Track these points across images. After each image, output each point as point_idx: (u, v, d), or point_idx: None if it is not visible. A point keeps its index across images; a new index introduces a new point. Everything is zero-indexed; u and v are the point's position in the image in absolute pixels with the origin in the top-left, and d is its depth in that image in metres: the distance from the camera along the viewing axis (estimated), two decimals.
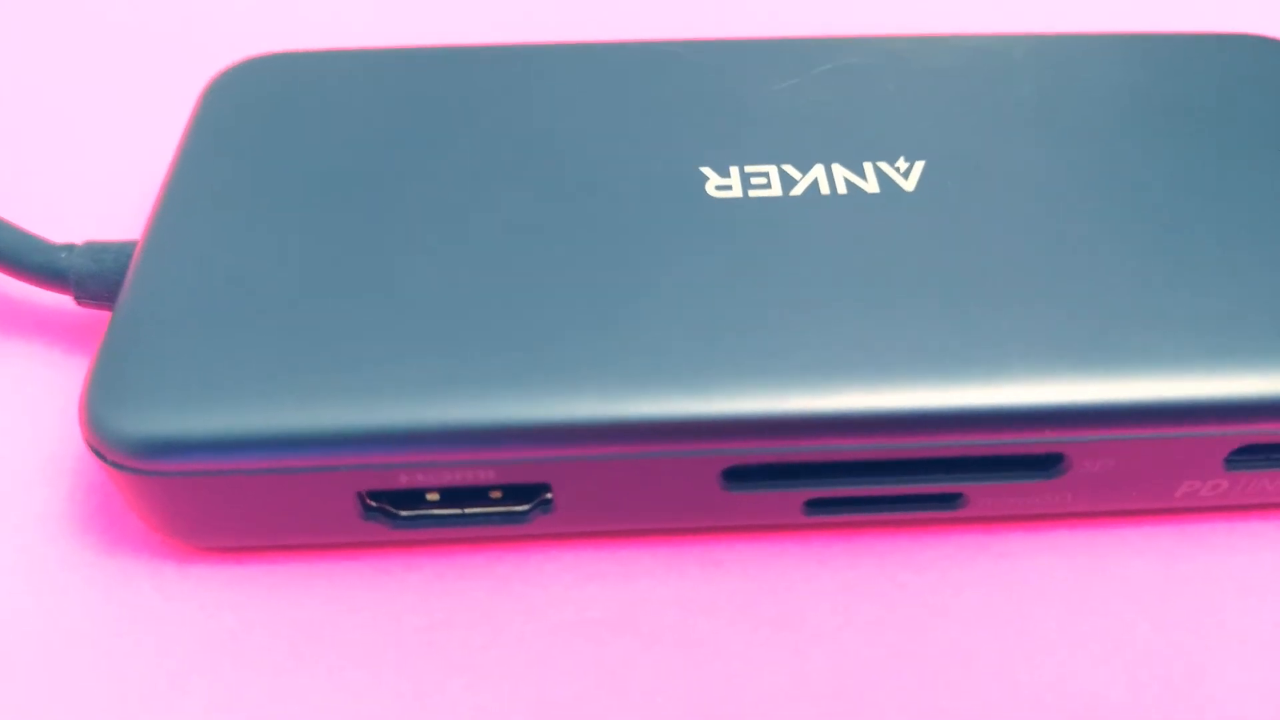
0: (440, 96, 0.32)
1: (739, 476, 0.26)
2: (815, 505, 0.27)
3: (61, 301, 0.32)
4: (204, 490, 0.26)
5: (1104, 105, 0.32)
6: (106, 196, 0.36)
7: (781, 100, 0.32)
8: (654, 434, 0.25)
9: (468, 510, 0.27)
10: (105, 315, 0.31)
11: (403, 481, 0.26)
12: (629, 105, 0.32)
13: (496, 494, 0.27)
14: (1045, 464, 0.27)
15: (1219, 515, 0.29)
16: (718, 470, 0.26)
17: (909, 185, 0.29)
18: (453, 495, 0.27)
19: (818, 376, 0.26)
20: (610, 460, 0.26)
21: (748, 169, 0.30)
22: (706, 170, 0.30)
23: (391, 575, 0.28)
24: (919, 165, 0.30)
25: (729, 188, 0.29)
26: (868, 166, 0.30)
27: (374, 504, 0.27)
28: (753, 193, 0.29)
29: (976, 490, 0.27)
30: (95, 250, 0.30)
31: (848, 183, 0.30)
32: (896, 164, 0.30)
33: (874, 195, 0.29)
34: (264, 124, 0.32)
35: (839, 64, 0.33)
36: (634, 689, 0.26)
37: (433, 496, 0.27)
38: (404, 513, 0.27)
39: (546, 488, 0.27)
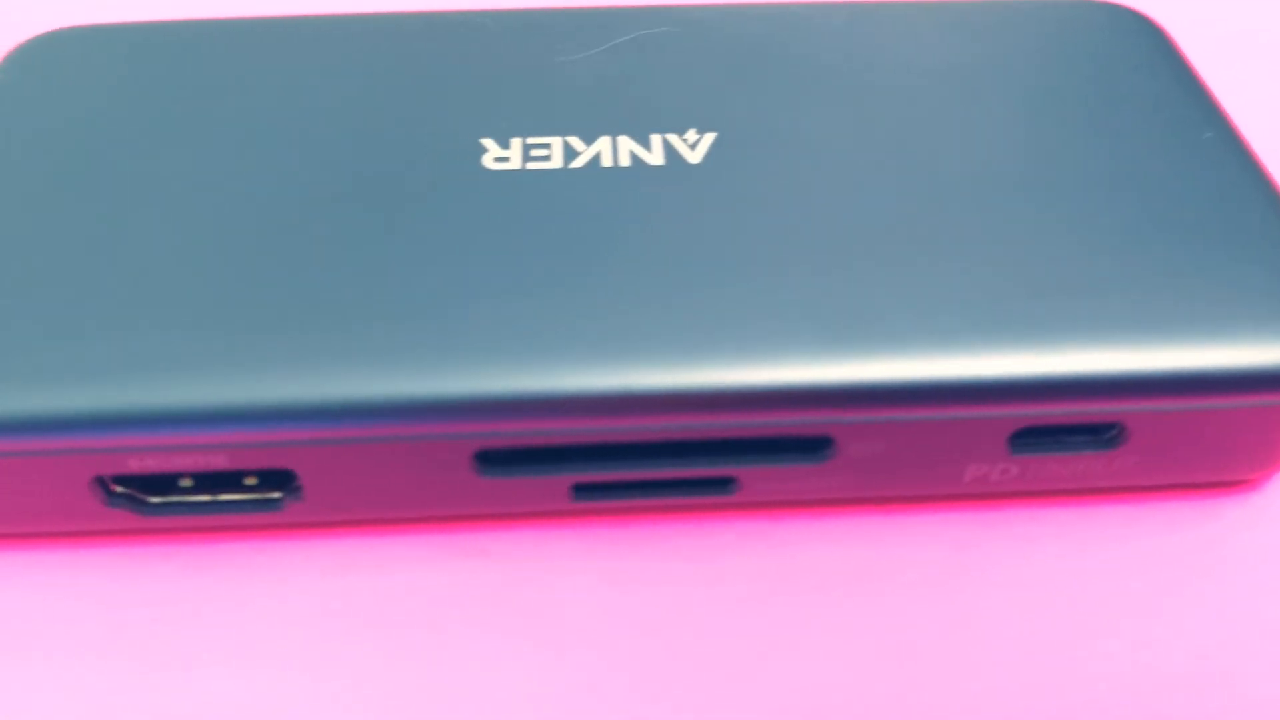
0: (228, 69, 0.32)
1: (493, 460, 0.25)
2: (582, 490, 0.26)
3: None
4: None
5: (919, 75, 0.31)
6: None
7: (579, 70, 0.31)
8: (395, 415, 0.24)
9: (220, 497, 0.26)
10: None
11: (133, 466, 0.24)
12: (419, 76, 0.31)
13: (252, 480, 0.25)
14: (813, 447, 0.26)
15: (1015, 501, 0.28)
16: (470, 454, 0.25)
17: (695, 158, 0.28)
18: (205, 481, 0.26)
19: (574, 354, 0.25)
20: (354, 444, 0.25)
21: (530, 140, 0.29)
22: (487, 142, 0.29)
23: (142, 563, 0.27)
24: (709, 137, 0.29)
25: (507, 159, 0.28)
26: (655, 139, 0.29)
27: (120, 490, 0.25)
28: (531, 165, 0.28)
29: (748, 474, 0.26)
30: None
31: (632, 155, 0.28)
32: (685, 136, 0.29)
33: (658, 168, 0.28)
34: (53, 98, 0.31)
35: (643, 33, 0.32)
36: (370, 683, 0.26)
37: (186, 482, 0.26)
38: (153, 499, 0.26)
39: (290, 474, 0.25)
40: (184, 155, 0.29)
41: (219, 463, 0.25)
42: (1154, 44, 0.32)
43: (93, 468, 0.25)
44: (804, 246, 0.26)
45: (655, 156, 0.28)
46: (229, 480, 0.26)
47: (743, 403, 0.24)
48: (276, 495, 0.26)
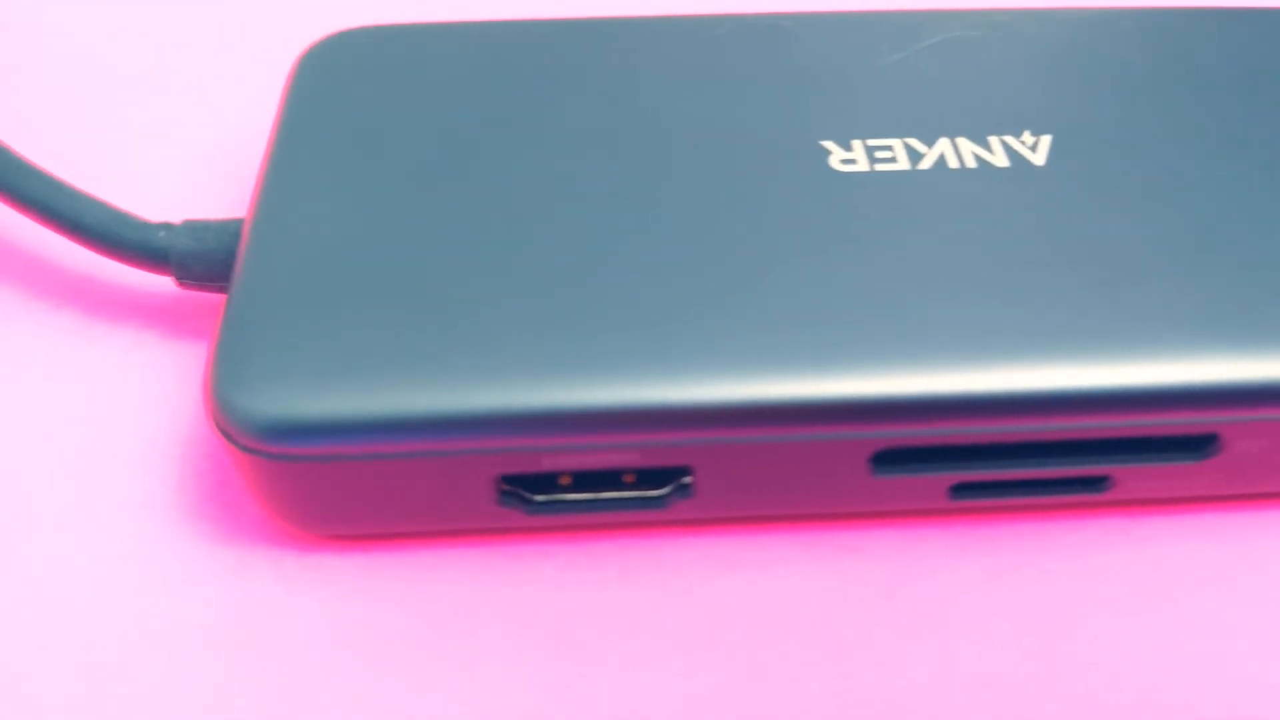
0: (538, 70, 0.32)
1: (889, 460, 0.26)
2: (961, 490, 0.26)
3: (157, 282, 0.31)
4: (340, 475, 0.25)
5: (1219, 76, 0.31)
6: (186, 176, 0.34)
7: (893, 74, 0.31)
8: (808, 416, 0.25)
9: (603, 495, 0.26)
10: (205, 297, 0.30)
11: (545, 465, 0.25)
12: (738, 78, 0.31)
13: (629, 478, 0.26)
14: (1197, 445, 0.26)
15: None
16: (868, 454, 0.25)
17: (1039, 159, 0.29)
18: (586, 480, 0.26)
19: (971, 356, 0.25)
20: (759, 443, 0.25)
21: (870, 142, 0.29)
22: (828, 144, 0.29)
23: (523, 563, 0.27)
24: (1045, 139, 0.29)
25: (854, 161, 0.29)
26: (994, 140, 0.29)
27: (509, 489, 0.25)
28: (879, 166, 0.28)
29: (1125, 473, 0.26)
30: (196, 229, 0.29)
31: (976, 157, 0.28)
32: (1022, 138, 0.29)
33: (1004, 169, 0.28)
34: (361, 97, 0.31)
35: (946, 37, 0.32)
36: (778, 678, 0.26)
37: (565, 481, 0.26)
38: (538, 498, 0.26)
39: (686, 471, 0.25)
40: (517, 154, 0.29)
41: (630, 460, 0.25)
42: None
43: (500, 467, 0.25)
44: (1173, 245, 0.27)
45: (999, 158, 0.29)
46: (609, 479, 0.26)
47: (1131, 403, 0.25)
48: (661, 493, 0.26)
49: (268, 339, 0.25)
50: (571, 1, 0.36)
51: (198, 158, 0.35)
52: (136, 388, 0.30)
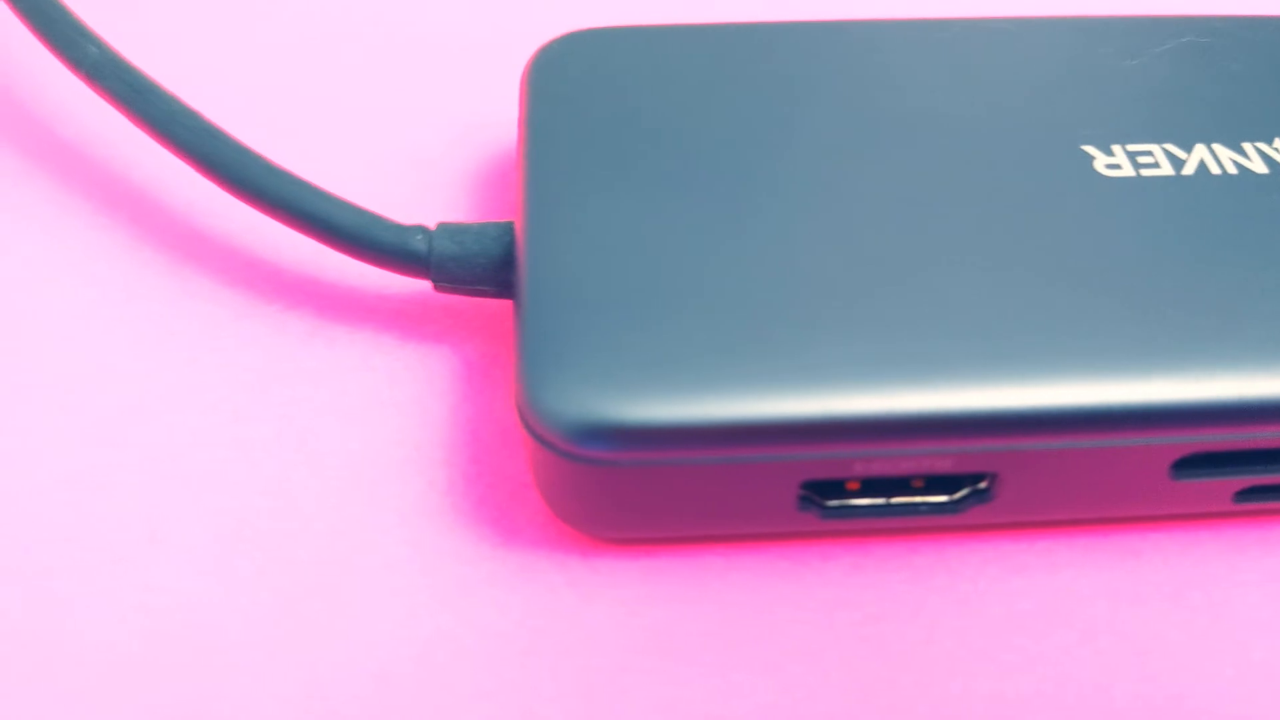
0: (779, 72, 0.31)
1: (1191, 465, 0.26)
2: (1247, 493, 0.26)
3: (384, 283, 0.32)
4: (650, 479, 0.26)
5: None
6: (402, 177, 0.34)
7: (1133, 78, 0.31)
8: (1126, 421, 0.25)
9: (900, 500, 0.26)
10: (437, 297, 0.31)
11: (856, 471, 0.25)
12: (979, 81, 0.31)
13: (918, 483, 0.26)
14: None
15: None
16: (1173, 459, 0.25)
17: None
18: (875, 485, 0.26)
19: (1265, 360, 0.25)
20: (1071, 449, 0.25)
21: (1130, 148, 0.29)
22: (1089, 149, 0.29)
23: (808, 566, 0.27)
24: None
25: (1118, 167, 0.28)
26: (1248, 147, 0.29)
27: (806, 494, 0.25)
28: (1144, 172, 0.28)
29: None
30: (453, 232, 0.29)
31: (1235, 164, 0.29)
32: (1274, 144, 0.29)
33: (1265, 176, 0.28)
34: (605, 99, 0.31)
35: (1179, 42, 0.32)
36: (1083, 682, 0.26)
37: (852, 486, 0.26)
38: (831, 503, 0.26)
39: (983, 477, 0.26)
40: (771, 155, 0.29)
41: (943, 466, 0.25)
42: None
43: (808, 473, 0.25)
44: None
45: (1257, 165, 0.29)
46: (900, 483, 0.26)
47: None
48: (955, 498, 0.26)
49: (576, 343, 0.25)
50: (776, 7, 0.36)
51: (410, 159, 0.35)
52: (385, 391, 0.30)
